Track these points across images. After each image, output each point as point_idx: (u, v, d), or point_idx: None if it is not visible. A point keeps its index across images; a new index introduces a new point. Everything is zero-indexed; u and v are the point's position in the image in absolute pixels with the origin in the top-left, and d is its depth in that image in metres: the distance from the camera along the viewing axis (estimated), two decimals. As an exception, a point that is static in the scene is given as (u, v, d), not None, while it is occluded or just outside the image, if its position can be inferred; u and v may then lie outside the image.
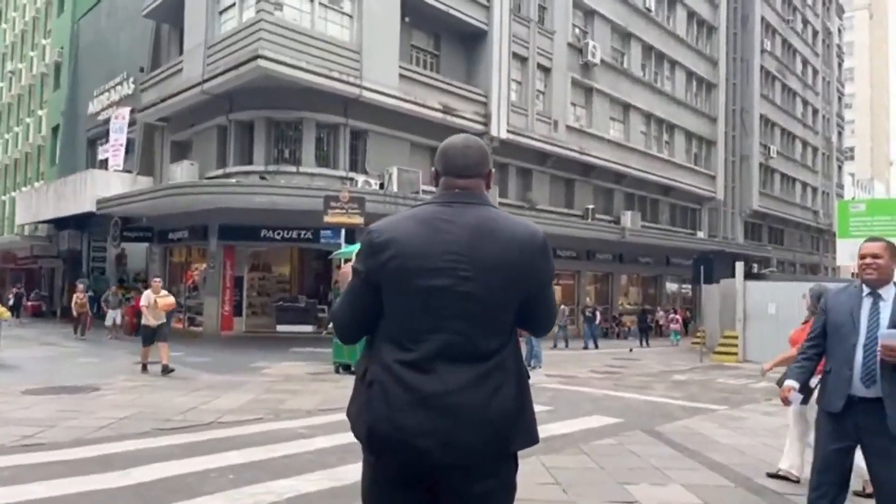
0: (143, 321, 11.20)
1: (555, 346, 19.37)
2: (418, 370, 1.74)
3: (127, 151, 23.50)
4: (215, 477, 5.04)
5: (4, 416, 7.26)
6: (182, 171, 18.68)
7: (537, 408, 6.53)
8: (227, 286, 18.63)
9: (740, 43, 36.92)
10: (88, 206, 20.51)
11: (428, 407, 1.72)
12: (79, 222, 25.03)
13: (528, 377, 1.91)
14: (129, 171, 22.60)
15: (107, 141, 23.74)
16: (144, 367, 11.18)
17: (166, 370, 10.71)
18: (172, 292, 20.44)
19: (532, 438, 1.87)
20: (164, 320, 11.27)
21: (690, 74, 32.36)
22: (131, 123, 22.80)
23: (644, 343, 23.01)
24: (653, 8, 29.44)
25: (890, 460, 3.06)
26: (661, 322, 26.53)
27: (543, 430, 7.00)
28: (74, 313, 18.01)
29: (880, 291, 3.22)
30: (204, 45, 17.96)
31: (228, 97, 17.97)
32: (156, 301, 11.04)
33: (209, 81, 17.54)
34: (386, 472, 1.80)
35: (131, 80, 23.11)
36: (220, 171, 18.42)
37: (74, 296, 18.39)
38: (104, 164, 23.35)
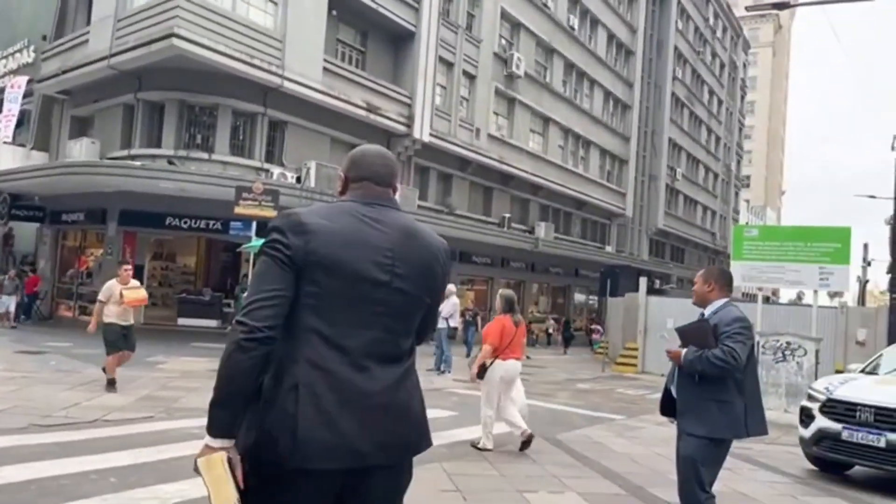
0: (106, 319, 8.49)
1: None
2: (354, 368, 1.68)
3: (21, 124, 21.79)
4: (95, 479, 4.70)
5: None
6: (81, 149, 17.47)
7: (443, 413, 6.54)
8: None
9: (655, 68, 38.73)
10: (-28, 179, 18.84)
11: (365, 407, 1.67)
12: (-40, 196, 22.94)
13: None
14: (22, 146, 20.96)
15: (0, 111, 21.93)
16: (112, 384, 8.44)
17: (112, 385, 8.47)
18: (64, 279, 19.28)
19: (429, 440, 1.89)
20: (132, 322, 8.82)
21: (608, 94, 33.62)
22: (28, 94, 21.16)
23: (565, 351, 23.96)
24: (576, 27, 30.38)
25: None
26: (550, 331, 26.90)
27: (448, 436, 7.03)
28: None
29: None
30: (114, 16, 16.90)
31: (138, 75, 17.00)
32: (121, 294, 8.44)
33: (117, 56, 16.51)
34: (303, 492, 1.64)
35: (32, 47, 21.45)
36: (123, 153, 17.38)
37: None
38: (-6, 136, 21.53)
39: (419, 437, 1.82)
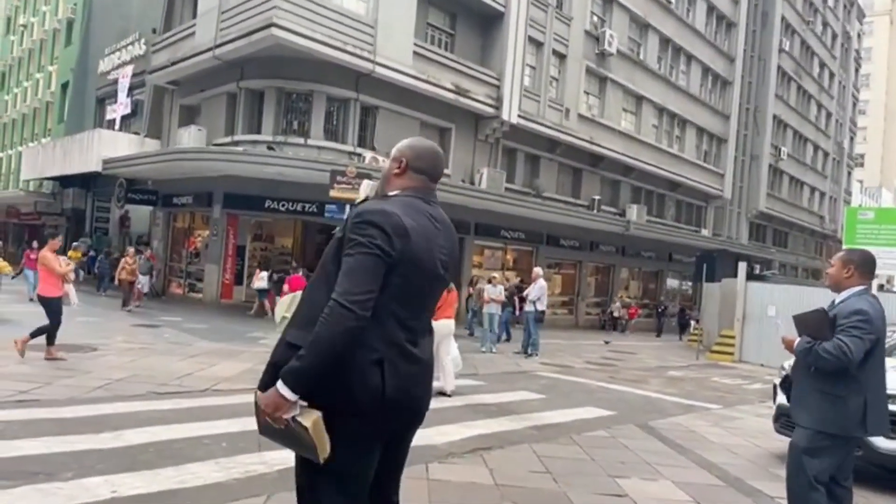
0: None
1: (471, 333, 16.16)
2: (414, 345, 2.05)
3: (135, 113, 23.40)
4: (208, 444, 5.05)
5: (0, 370, 7.27)
6: (189, 136, 18.57)
7: (532, 395, 6.57)
8: (228, 254, 18.60)
9: (759, 41, 36.48)
10: (94, 165, 20.45)
11: (424, 374, 2.09)
12: (84, 181, 25.01)
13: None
14: (136, 133, 22.50)
15: (115, 101, 23.63)
16: None
17: None
18: (174, 258, 20.52)
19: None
20: None
21: (706, 70, 32.02)
22: (140, 85, 22.65)
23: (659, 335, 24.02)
24: (673, 0, 29.07)
25: None
26: (616, 314, 25.53)
27: (537, 419, 7.07)
28: (117, 281, 16.52)
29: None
30: (218, 9, 17.75)
31: (240, 64, 17.81)
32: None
33: (221, 47, 17.37)
34: (374, 432, 2.00)
35: (143, 40, 22.90)
36: (227, 139, 18.32)
37: (122, 261, 16.57)
38: (112, 124, 23.26)
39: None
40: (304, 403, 1.90)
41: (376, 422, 1.96)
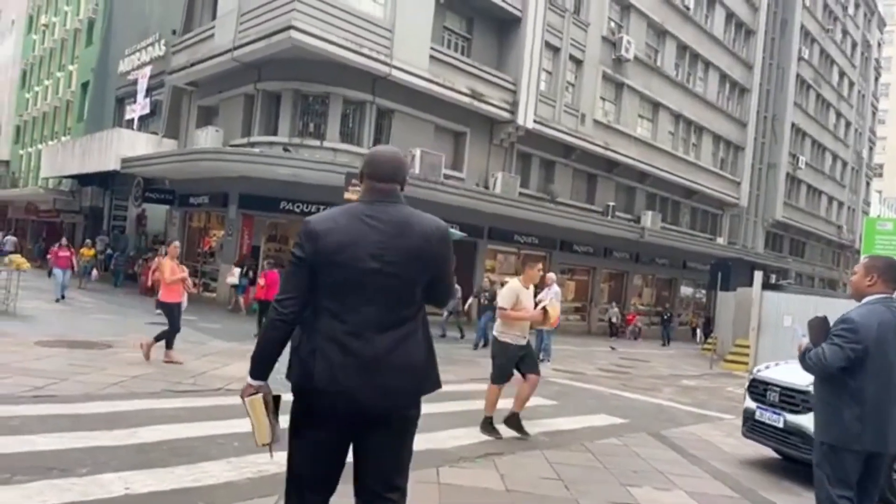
0: None
1: (443, 335, 15.97)
2: (355, 337, 2.18)
3: (154, 113, 23.63)
4: (221, 443, 5.07)
5: (17, 365, 7.36)
6: (207, 137, 18.73)
7: (543, 401, 6.54)
8: (243, 254, 18.72)
9: (778, 48, 36.21)
10: (113, 164, 20.68)
11: (362, 366, 2.16)
12: (102, 180, 25.27)
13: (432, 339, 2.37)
14: (154, 133, 22.73)
15: (134, 101, 23.89)
16: None
17: None
18: (189, 257, 20.58)
19: (437, 384, 2.35)
20: None
21: (724, 77, 31.82)
22: (159, 85, 22.88)
23: (667, 343, 23.72)
24: (691, 6, 28.92)
25: None
26: (614, 320, 24.82)
27: (548, 425, 7.02)
28: (150, 282, 15.70)
29: None
30: (237, 12, 17.91)
31: (258, 66, 17.95)
32: None
33: (240, 49, 17.52)
34: (311, 416, 2.24)
35: (163, 41, 23.15)
36: (244, 140, 18.45)
37: (157, 260, 16.15)
38: (131, 124, 23.51)
39: (420, 383, 2.28)
40: (265, 388, 2.30)
41: (310, 406, 2.22)
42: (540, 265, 6.78)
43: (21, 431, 4.85)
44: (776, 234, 38.33)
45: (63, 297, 15.22)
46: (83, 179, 26.84)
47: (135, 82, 23.99)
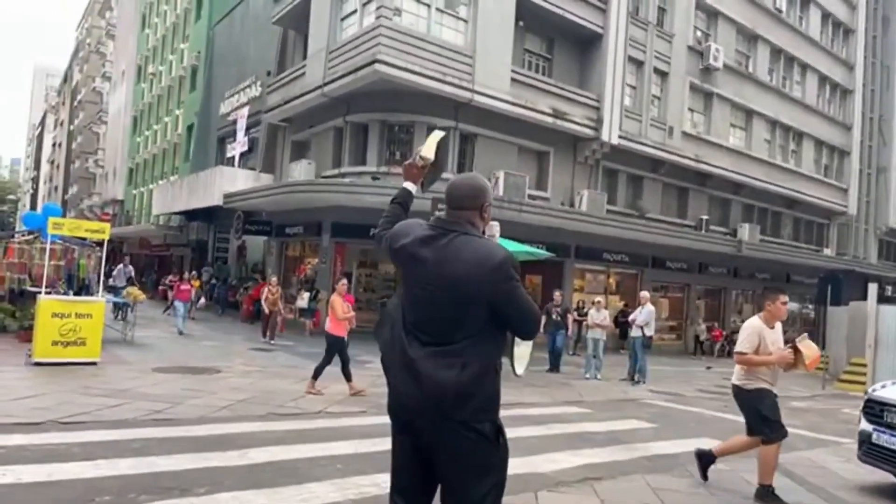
0: None
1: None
2: (408, 343, 2.33)
3: (252, 150, 25.03)
4: (324, 465, 5.27)
5: (137, 391, 7.94)
6: (300, 170, 19.62)
7: (642, 424, 6.40)
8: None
9: (880, 46, 33.93)
10: (216, 199, 22.01)
11: (406, 366, 2.30)
12: (207, 214, 26.93)
13: (498, 372, 2.35)
14: (252, 168, 24.05)
15: (234, 139, 25.40)
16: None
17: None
18: (285, 285, 21.49)
19: (477, 415, 2.26)
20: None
21: (823, 79, 30.11)
22: (256, 124, 24.24)
23: None
24: (783, 8, 27.67)
25: None
26: (702, 339, 24.07)
27: (648, 448, 6.83)
28: (266, 310, 15.71)
29: None
30: (326, 49, 18.78)
31: (346, 100, 18.68)
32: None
33: (329, 84, 18.32)
34: (391, 416, 2.44)
35: (259, 83, 24.55)
36: (335, 171, 19.19)
37: (265, 290, 16.12)
38: (231, 161, 24.99)
39: (448, 402, 2.23)
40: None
41: (389, 405, 2.44)
42: (785, 297, 5.41)
43: (143, 453, 5.24)
44: (891, 242, 35.55)
45: (179, 331, 15.14)
46: (190, 215, 28.70)
47: (234, 122, 25.53)
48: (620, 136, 21.29)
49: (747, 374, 5.26)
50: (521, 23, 19.35)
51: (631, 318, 14.18)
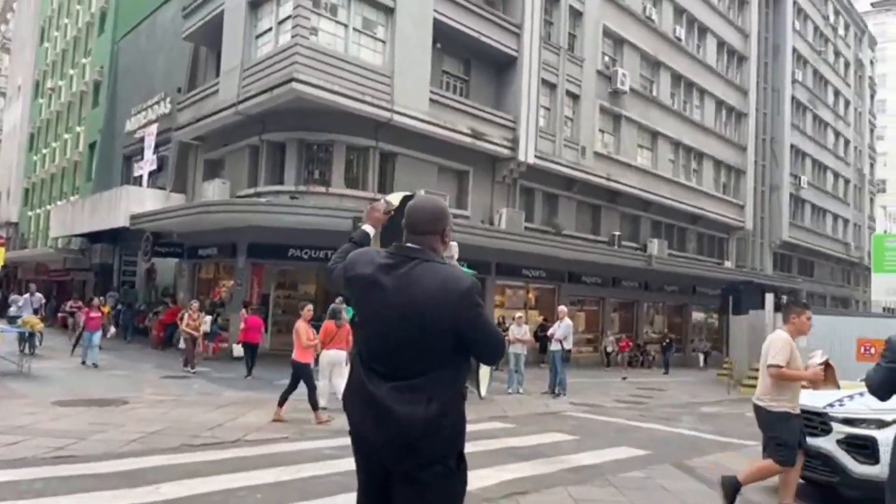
0: None
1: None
2: (367, 378, 2.26)
3: (161, 169, 24.02)
4: (243, 495, 5.06)
5: (35, 427, 7.37)
6: (214, 190, 18.99)
7: (563, 436, 6.52)
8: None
9: (771, 73, 36.71)
10: (122, 221, 20.92)
11: (367, 403, 2.23)
12: (112, 236, 25.53)
13: (464, 398, 2.35)
14: (162, 188, 23.06)
15: (142, 158, 24.31)
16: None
17: None
18: (198, 308, 20.68)
19: (441, 450, 2.20)
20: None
21: (720, 103, 32.22)
22: (166, 142, 23.32)
23: (666, 371, 23.45)
24: (682, 37, 29.47)
25: None
26: (609, 350, 24.43)
27: (570, 461, 6.96)
28: (187, 337, 14.44)
29: None
30: (240, 67, 18.36)
31: (262, 118, 18.31)
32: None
33: (244, 103, 17.90)
34: (355, 452, 2.39)
35: (168, 99, 23.66)
36: (251, 191, 18.70)
37: (185, 315, 14.65)
38: (139, 181, 23.89)
39: (412, 438, 2.16)
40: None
41: (352, 440, 2.38)
42: (810, 313, 5.30)
43: (45, 494, 4.86)
44: (784, 254, 38.23)
45: (92, 363, 13.90)
46: (92, 237, 27.13)
47: (142, 140, 24.45)
48: (536, 156, 21.91)
49: (774, 394, 5.07)
50: (438, 45, 19.65)
51: (550, 332, 14.52)
